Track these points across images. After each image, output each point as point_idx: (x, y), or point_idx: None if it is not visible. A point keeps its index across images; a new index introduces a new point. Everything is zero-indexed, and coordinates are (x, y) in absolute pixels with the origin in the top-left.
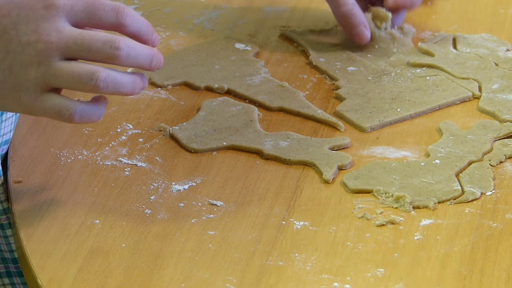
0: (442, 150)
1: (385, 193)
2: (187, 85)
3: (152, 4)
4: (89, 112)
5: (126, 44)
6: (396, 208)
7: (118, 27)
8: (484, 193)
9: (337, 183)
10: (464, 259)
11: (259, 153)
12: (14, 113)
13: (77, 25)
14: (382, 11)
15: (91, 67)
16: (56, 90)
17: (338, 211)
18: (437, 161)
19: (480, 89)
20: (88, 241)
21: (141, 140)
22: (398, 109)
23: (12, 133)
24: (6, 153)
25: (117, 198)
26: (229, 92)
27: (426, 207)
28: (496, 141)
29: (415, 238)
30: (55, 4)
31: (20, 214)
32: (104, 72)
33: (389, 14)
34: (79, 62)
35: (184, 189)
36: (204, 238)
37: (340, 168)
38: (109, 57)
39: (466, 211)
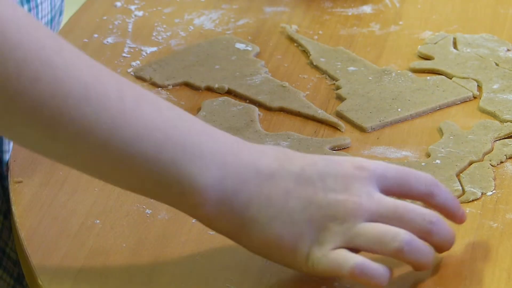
0: (443, 150)
1: None
2: (188, 85)
3: (152, 4)
4: (372, 268)
5: (439, 219)
6: None
7: (427, 197)
8: (485, 193)
9: None
10: (465, 259)
11: None
12: None
13: (386, 190)
14: None
15: (395, 229)
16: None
17: None
18: (437, 161)
19: (480, 89)
20: (89, 241)
21: None
22: (399, 109)
23: None
24: None
25: (118, 198)
26: (229, 92)
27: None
28: (497, 141)
29: None
30: (367, 167)
31: (20, 214)
32: (408, 235)
33: None
34: (380, 224)
35: None
36: (204, 238)
37: None
38: (422, 230)
39: (467, 211)
